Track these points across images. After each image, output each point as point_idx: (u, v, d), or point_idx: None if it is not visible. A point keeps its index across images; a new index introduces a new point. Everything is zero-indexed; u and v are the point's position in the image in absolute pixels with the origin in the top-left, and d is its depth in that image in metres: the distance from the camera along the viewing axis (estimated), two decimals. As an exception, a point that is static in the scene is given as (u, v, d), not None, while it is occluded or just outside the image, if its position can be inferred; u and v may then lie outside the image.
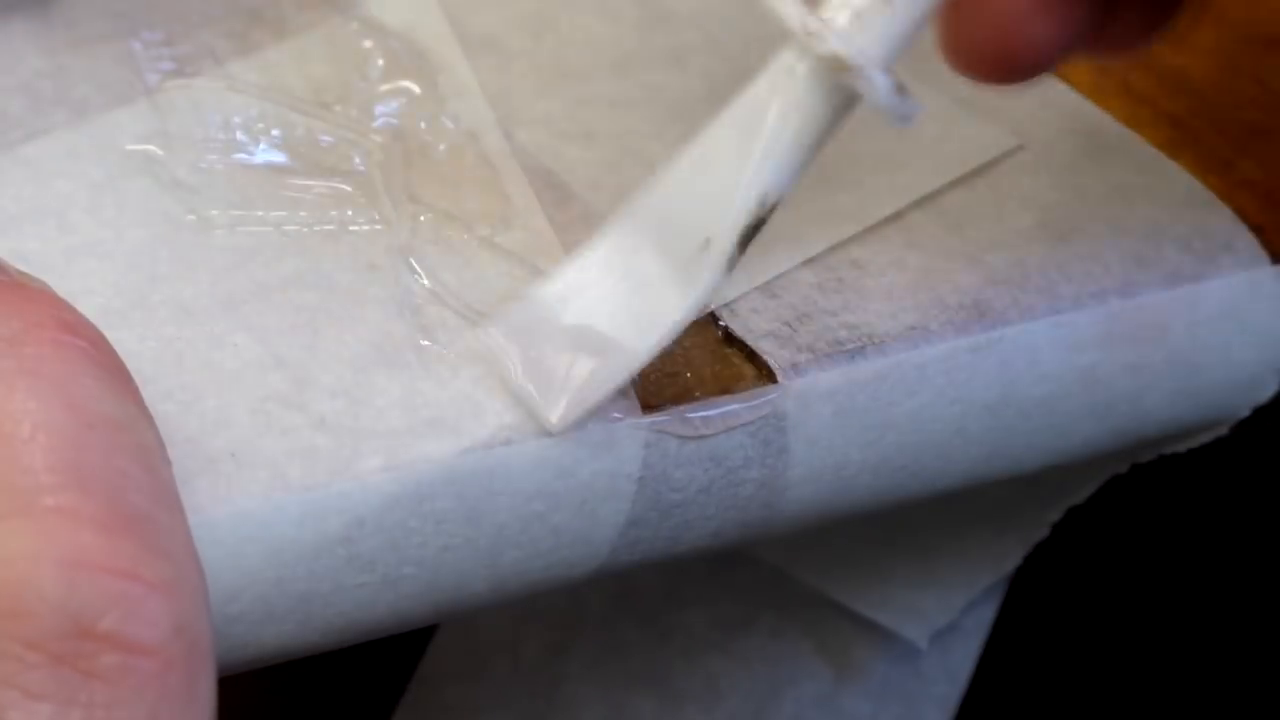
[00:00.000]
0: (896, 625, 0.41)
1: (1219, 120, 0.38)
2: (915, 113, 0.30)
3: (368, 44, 0.36)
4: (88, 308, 0.27)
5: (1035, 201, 0.36)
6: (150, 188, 0.33)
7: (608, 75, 0.37)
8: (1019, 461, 0.35)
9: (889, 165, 0.36)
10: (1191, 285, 0.35)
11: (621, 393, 0.31)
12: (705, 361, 0.32)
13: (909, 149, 0.36)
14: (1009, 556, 0.39)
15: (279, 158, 0.34)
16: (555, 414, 0.30)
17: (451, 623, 0.42)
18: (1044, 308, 0.34)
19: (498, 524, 0.30)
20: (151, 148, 0.33)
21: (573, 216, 0.34)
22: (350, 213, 0.33)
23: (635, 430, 0.31)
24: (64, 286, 0.28)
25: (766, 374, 0.32)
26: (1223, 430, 0.36)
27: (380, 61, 0.36)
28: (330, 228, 0.33)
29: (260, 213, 0.33)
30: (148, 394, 0.27)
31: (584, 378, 0.30)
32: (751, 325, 0.32)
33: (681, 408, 0.31)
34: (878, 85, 0.29)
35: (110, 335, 0.27)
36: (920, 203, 0.35)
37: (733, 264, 0.30)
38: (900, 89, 0.30)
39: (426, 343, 0.31)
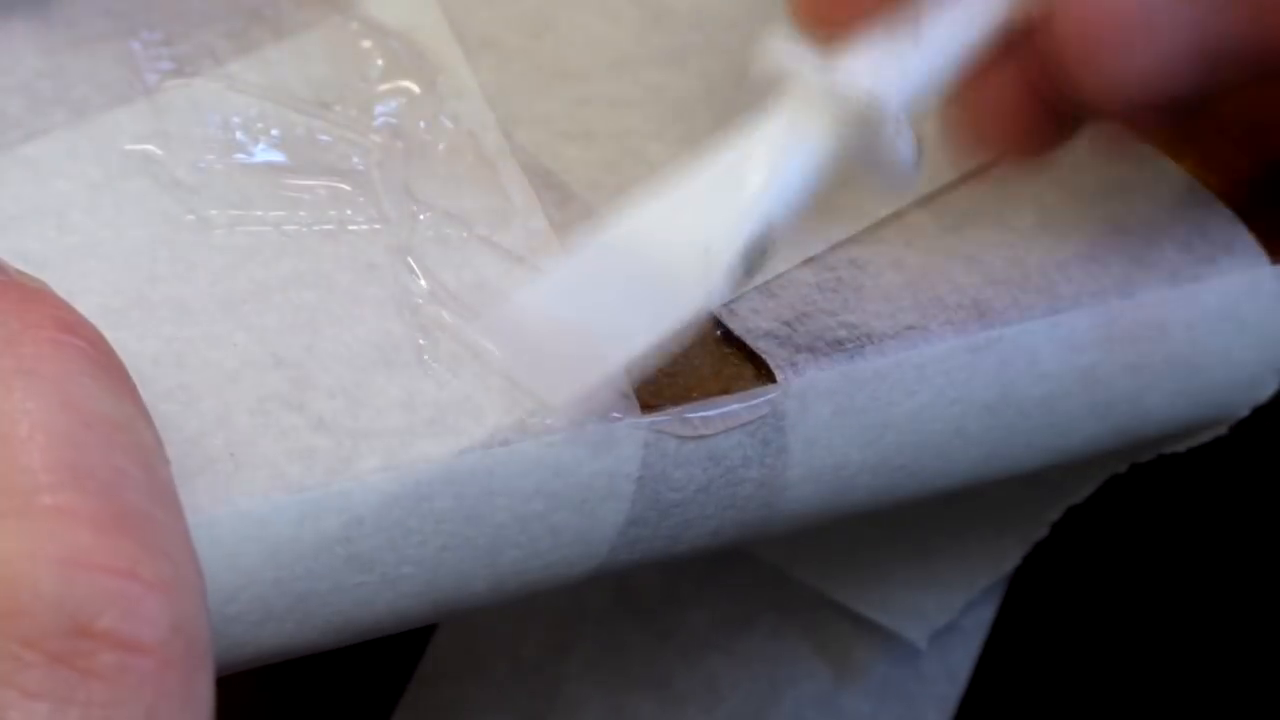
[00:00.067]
0: (896, 625, 0.41)
1: (1219, 120, 0.38)
2: (917, 175, 0.31)
3: (367, 44, 0.36)
4: (86, 307, 0.27)
5: (1034, 201, 0.36)
6: (149, 187, 0.33)
7: (607, 75, 0.37)
8: (1018, 461, 0.35)
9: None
10: (1191, 285, 0.35)
11: (621, 392, 0.31)
12: (704, 361, 0.32)
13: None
14: (1008, 556, 0.39)
15: (278, 157, 0.34)
16: (556, 398, 0.30)
17: (451, 622, 0.42)
18: (1043, 307, 0.34)
19: (497, 523, 0.30)
20: (151, 147, 0.33)
21: (572, 216, 0.34)
22: (349, 212, 0.33)
23: (634, 430, 0.31)
24: (63, 286, 0.28)
25: (766, 374, 0.32)
26: (1222, 430, 0.36)
27: (380, 61, 0.36)
28: (329, 227, 0.33)
29: (259, 212, 0.33)
30: (146, 393, 0.27)
31: (579, 370, 0.30)
32: (751, 325, 0.32)
33: (681, 407, 0.31)
34: (898, 133, 0.30)
35: (109, 335, 0.27)
36: (920, 203, 0.35)
37: (733, 279, 0.30)
38: (912, 146, 0.31)
39: (425, 342, 0.31)
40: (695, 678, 0.42)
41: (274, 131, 0.34)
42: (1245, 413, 0.36)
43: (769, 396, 0.32)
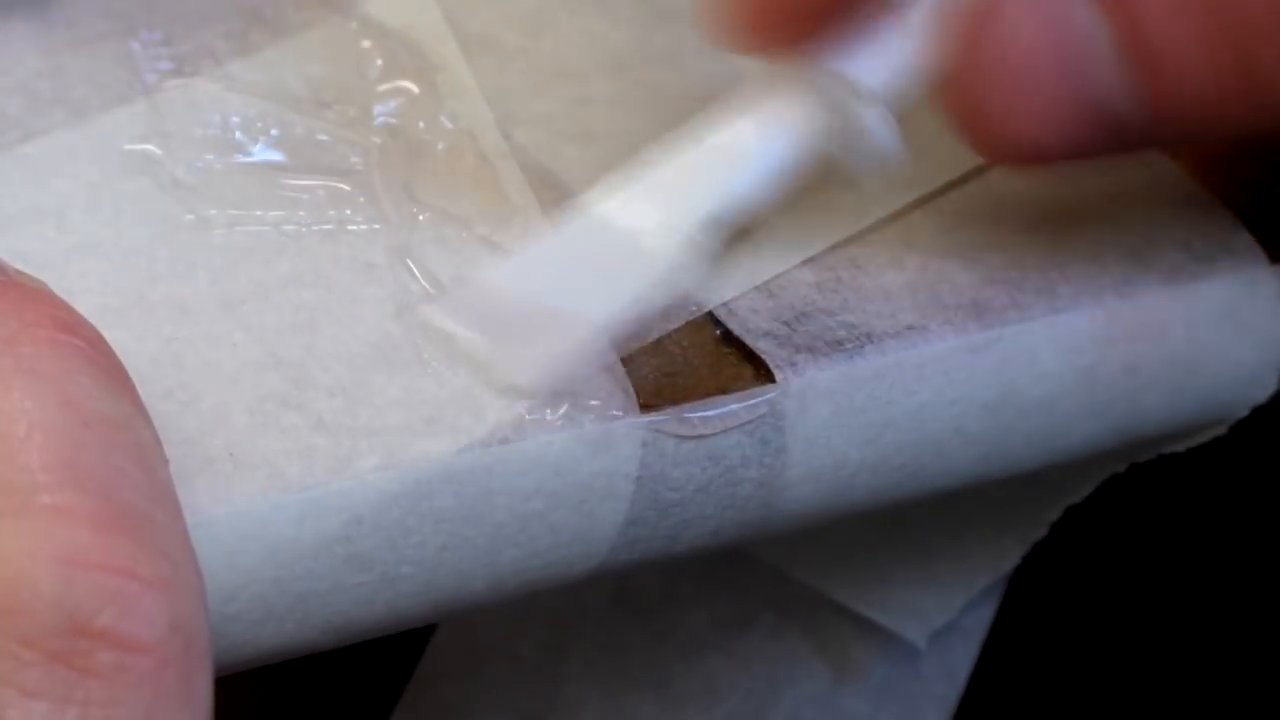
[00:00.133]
0: (895, 625, 0.41)
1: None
2: (900, 159, 0.31)
3: (366, 44, 0.36)
4: (85, 307, 0.27)
5: (1033, 201, 0.36)
6: (149, 187, 0.33)
7: (607, 75, 0.37)
8: (1018, 461, 0.34)
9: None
10: (1190, 285, 0.35)
11: (623, 390, 0.31)
12: (703, 361, 0.32)
13: (908, 149, 0.36)
14: (1008, 556, 0.39)
15: (277, 157, 0.34)
16: (523, 377, 0.30)
17: (450, 622, 0.42)
18: (1042, 307, 0.34)
19: (496, 523, 0.30)
20: (150, 147, 0.33)
21: (572, 216, 0.34)
22: (349, 212, 0.33)
23: (633, 430, 0.31)
24: (62, 286, 0.28)
25: (765, 373, 0.32)
26: (1222, 430, 0.36)
27: (379, 61, 0.36)
28: (329, 227, 0.33)
29: (259, 212, 0.33)
30: (145, 393, 0.27)
31: (546, 348, 0.30)
32: (750, 325, 0.32)
33: (680, 407, 0.31)
34: (879, 118, 0.30)
35: (108, 334, 0.27)
36: (919, 203, 0.35)
37: (701, 254, 0.31)
38: (892, 131, 0.31)
39: (424, 342, 0.31)
40: (694, 678, 0.42)
41: (273, 131, 0.34)
42: (1244, 413, 0.36)
43: (768, 396, 0.32)
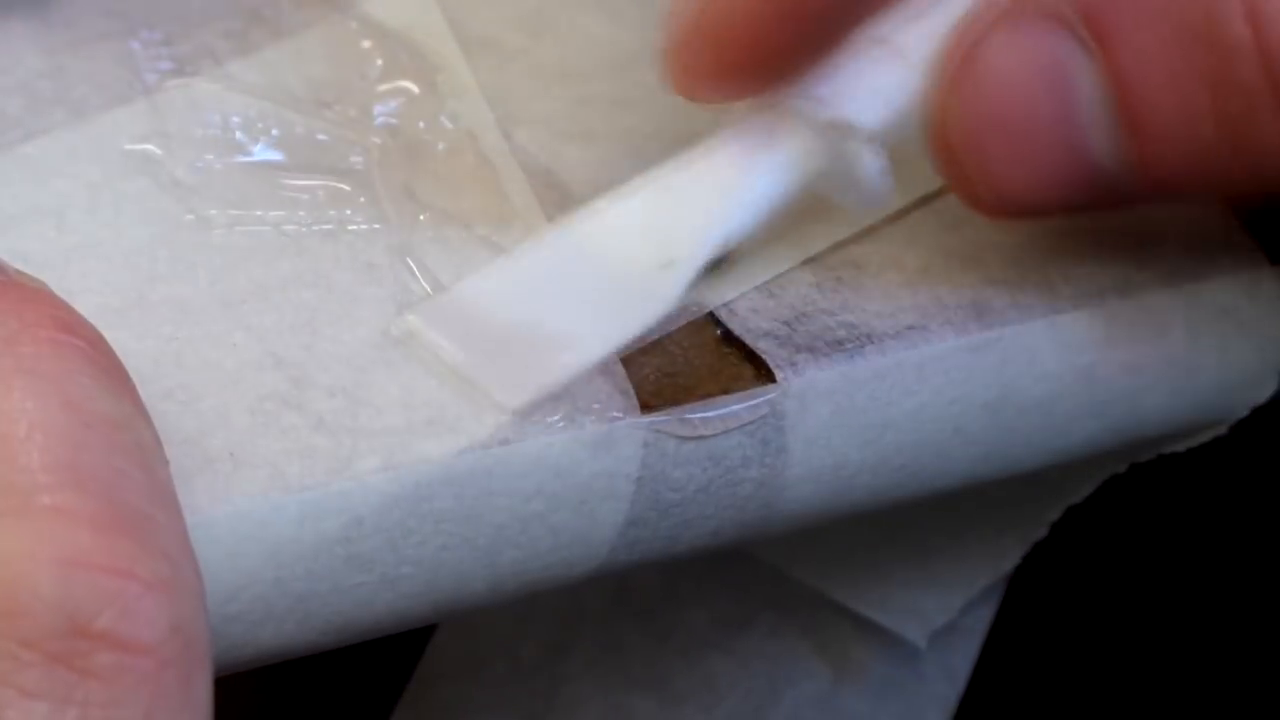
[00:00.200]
0: (895, 625, 0.41)
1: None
2: (888, 197, 0.31)
3: (366, 44, 0.36)
4: (86, 307, 0.27)
5: (1034, 201, 0.36)
6: (149, 187, 0.33)
7: (608, 75, 0.37)
8: (1018, 461, 0.34)
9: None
10: (1191, 285, 0.35)
11: (623, 391, 0.31)
12: (704, 361, 0.32)
13: (909, 149, 0.36)
14: (1008, 556, 0.39)
15: (277, 157, 0.34)
16: (508, 398, 0.30)
17: (450, 622, 0.42)
18: (1042, 307, 0.34)
19: (496, 524, 0.30)
20: (150, 147, 0.33)
21: (572, 216, 0.34)
22: (349, 212, 0.33)
23: (634, 430, 0.31)
24: (62, 286, 0.28)
25: (765, 373, 0.32)
26: (1222, 430, 0.36)
27: (379, 61, 0.36)
28: (329, 227, 0.33)
29: (259, 212, 0.33)
30: (146, 393, 0.27)
31: (532, 371, 0.30)
32: (750, 325, 0.32)
33: (680, 408, 0.31)
34: (871, 155, 0.31)
35: (108, 334, 0.27)
36: (919, 202, 0.35)
37: (685, 277, 0.31)
38: (884, 170, 0.31)
39: (412, 348, 0.31)
40: (694, 677, 0.42)
41: (274, 131, 0.34)
42: (1244, 413, 0.36)
43: (769, 396, 0.32)
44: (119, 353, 0.27)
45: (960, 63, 0.31)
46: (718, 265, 0.32)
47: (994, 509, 0.39)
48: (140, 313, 0.30)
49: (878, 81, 0.32)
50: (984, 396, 0.33)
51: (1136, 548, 0.48)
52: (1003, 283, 0.34)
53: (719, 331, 0.32)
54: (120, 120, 0.34)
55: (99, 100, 0.34)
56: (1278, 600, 0.47)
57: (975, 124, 0.31)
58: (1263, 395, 0.36)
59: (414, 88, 0.36)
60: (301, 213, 0.33)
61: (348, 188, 0.33)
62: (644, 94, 0.37)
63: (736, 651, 0.42)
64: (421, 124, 0.35)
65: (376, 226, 0.33)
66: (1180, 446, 0.36)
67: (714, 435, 0.31)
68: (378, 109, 0.35)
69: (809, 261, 0.34)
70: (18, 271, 0.27)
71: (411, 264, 0.32)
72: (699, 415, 0.31)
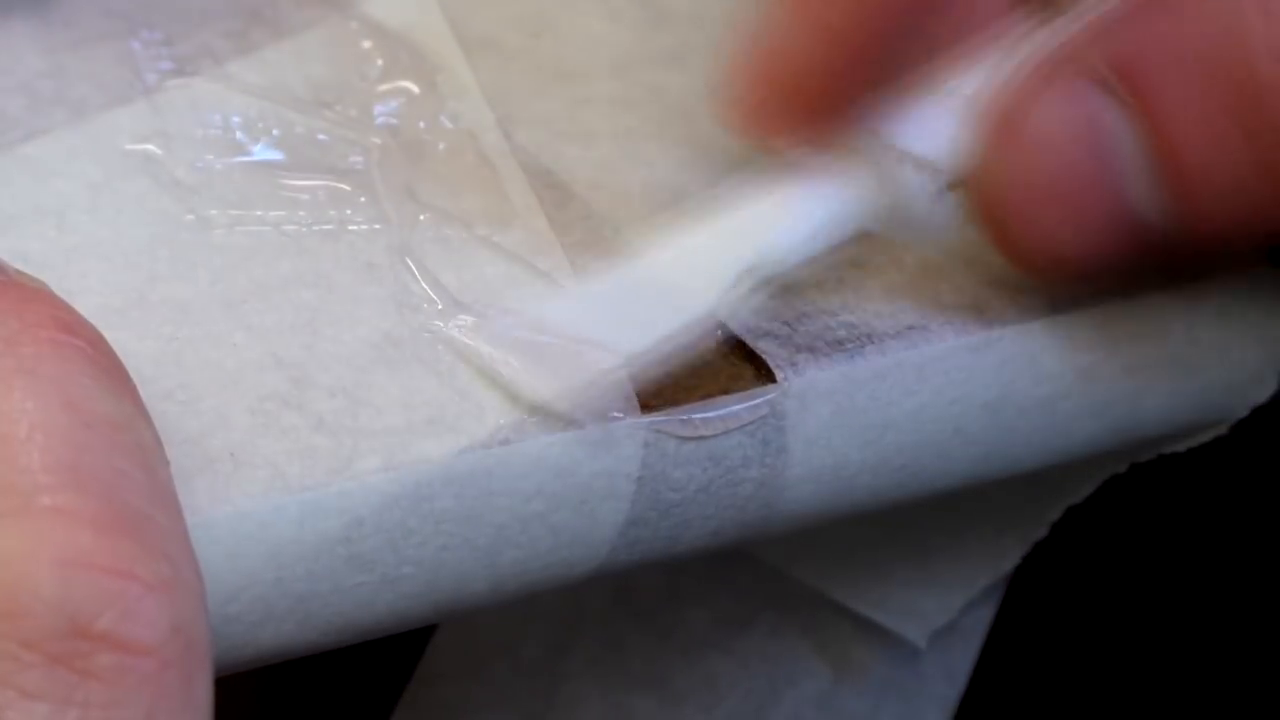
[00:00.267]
0: (895, 625, 0.41)
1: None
2: (950, 232, 0.32)
3: (367, 44, 0.36)
4: (86, 307, 0.27)
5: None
6: (149, 187, 0.33)
7: (608, 75, 0.37)
8: (1018, 461, 0.34)
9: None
10: (1190, 285, 0.35)
11: (621, 393, 0.31)
12: (704, 361, 0.32)
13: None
14: (1008, 556, 0.39)
15: (278, 157, 0.34)
16: (562, 406, 0.30)
17: (451, 622, 0.42)
18: (1043, 307, 0.34)
19: (497, 524, 0.30)
20: (150, 147, 0.33)
21: (572, 216, 0.34)
22: (349, 212, 0.33)
23: (634, 430, 0.31)
24: (62, 286, 0.28)
25: (766, 374, 0.32)
26: (1222, 430, 0.36)
27: (379, 61, 0.36)
28: (329, 227, 0.33)
29: (259, 212, 0.33)
30: (146, 394, 0.27)
31: (587, 385, 0.30)
32: (751, 325, 0.32)
33: (681, 408, 0.31)
34: (937, 196, 0.32)
35: (109, 335, 0.27)
36: (919, 203, 0.35)
37: (738, 303, 0.32)
38: (947, 203, 0.31)
39: (425, 342, 0.31)
40: (695, 677, 0.42)
41: (274, 131, 0.34)
42: (1245, 413, 0.36)
43: (769, 397, 0.32)
44: (119, 353, 0.27)
45: (1000, 124, 0.31)
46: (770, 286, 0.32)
47: (994, 509, 0.39)
48: (141, 313, 0.30)
49: (941, 122, 0.32)
50: (984, 396, 0.33)
51: (1136, 548, 0.48)
52: (1003, 283, 0.34)
53: (719, 331, 0.32)
54: (120, 120, 0.34)
55: (99, 100, 0.34)
56: (1278, 600, 0.47)
57: (1018, 187, 0.31)
58: (1263, 395, 0.36)
59: (414, 88, 0.36)
60: (302, 213, 0.33)
61: (348, 188, 0.33)
62: (644, 94, 0.37)
63: (737, 651, 0.42)
64: (422, 124, 0.35)
65: (377, 226, 0.33)
66: (1180, 446, 0.36)
67: (714, 435, 0.31)
68: (378, 109, 0.35)
69: (809, 261, 0.34)
70: (18, 271, 0.27)
71: (411, 264, 0.32)
72: (699, 415, 0.31)
